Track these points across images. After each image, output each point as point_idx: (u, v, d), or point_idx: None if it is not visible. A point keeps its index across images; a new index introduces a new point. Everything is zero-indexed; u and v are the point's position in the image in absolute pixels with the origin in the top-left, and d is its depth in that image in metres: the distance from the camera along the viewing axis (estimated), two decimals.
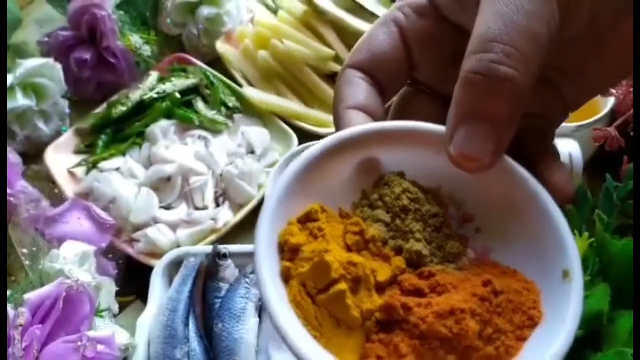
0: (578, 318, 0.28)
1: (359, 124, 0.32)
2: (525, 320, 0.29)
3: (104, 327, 0.59)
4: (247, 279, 0.65)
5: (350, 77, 0.34)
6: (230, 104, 0.86)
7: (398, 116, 0.35)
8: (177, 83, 0.86)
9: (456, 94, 0.28)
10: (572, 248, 0.29)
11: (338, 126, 0.33)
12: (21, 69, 0.79)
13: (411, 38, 0.34)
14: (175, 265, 0.68)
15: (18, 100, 0.78)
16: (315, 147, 0.31)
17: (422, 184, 0.33)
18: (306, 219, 0.30)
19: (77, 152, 0.83)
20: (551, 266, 0.29)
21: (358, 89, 0.33)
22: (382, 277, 0.30)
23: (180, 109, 0.85)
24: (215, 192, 0.78)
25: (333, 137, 0.31)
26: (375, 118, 0.33)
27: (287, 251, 0.29)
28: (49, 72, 0.81)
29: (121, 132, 0.84)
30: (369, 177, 0.33)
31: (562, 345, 0.27)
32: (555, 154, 0.34)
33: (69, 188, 0.78)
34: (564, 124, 0.69)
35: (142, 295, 0.69)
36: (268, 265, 0.29)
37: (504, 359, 0.28)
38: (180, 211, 0.76)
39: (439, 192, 0.33)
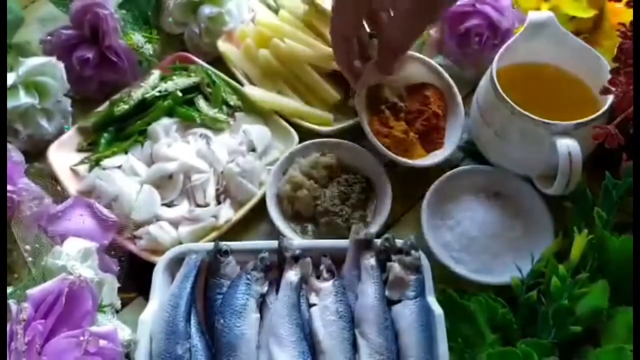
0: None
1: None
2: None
3: (106, 323, 0.59)
4: (248, 276, 0.65)
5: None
6: (231, 103, 0.86)
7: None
8: (179, 82, 0.86)
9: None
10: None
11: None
12: (24, 67, 0.79)
13: None
14: (177, 262, 0.68)
15: (21, 99, 0.79)
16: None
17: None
18: None
19: (80, 150, 0.83)
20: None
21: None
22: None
23: (182, 108, 0.85)
24: (217, 190, 0.78)
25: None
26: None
27: None
28: (51, 70, 0.81)
29: (123, 130, 0.84)
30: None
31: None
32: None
33: (71, 186, 0.78)
34: (563, 122, 0.69)
35: (144, 292, 0.69)
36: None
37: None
38: (182, 209, 0.77)
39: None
